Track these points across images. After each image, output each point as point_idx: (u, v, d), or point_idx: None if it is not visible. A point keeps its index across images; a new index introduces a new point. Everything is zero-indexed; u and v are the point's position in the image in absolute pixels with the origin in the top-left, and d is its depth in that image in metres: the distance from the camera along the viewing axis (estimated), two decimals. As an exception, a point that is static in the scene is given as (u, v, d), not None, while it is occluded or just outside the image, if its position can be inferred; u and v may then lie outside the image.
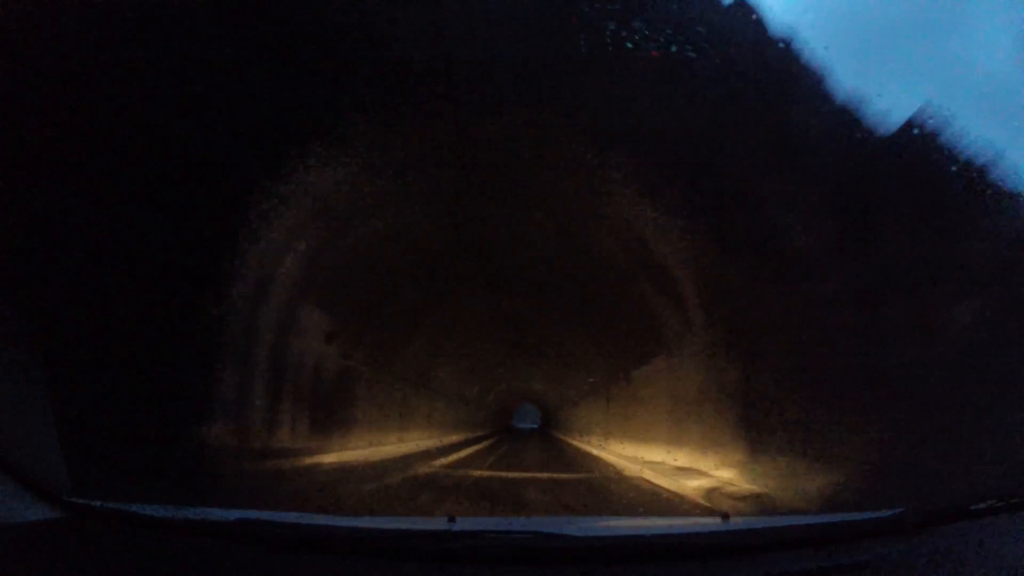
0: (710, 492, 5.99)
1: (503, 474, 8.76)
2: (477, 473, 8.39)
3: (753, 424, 5.77)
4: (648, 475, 8.32)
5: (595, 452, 14.27)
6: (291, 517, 1.89)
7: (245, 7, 3.65)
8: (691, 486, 6.58)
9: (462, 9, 3.85)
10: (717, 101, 4.14)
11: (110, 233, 3.82)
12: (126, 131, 3.65)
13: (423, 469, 9.08)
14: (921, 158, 3.38)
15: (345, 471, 7.84)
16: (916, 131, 3.33)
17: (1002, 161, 2.82)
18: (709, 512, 5.24)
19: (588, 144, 5.20)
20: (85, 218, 3.60)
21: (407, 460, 10.15)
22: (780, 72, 3.85)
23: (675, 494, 6.49)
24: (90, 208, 3.63)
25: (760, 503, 4.99)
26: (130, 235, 3.98)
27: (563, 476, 9.01)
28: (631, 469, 9.24)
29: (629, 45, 3.95)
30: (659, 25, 3.83)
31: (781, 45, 3.69)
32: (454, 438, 16.19)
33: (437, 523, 1.90)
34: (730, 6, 3.70)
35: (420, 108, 4.80)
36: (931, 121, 3.26)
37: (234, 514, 1.60)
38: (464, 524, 1.98)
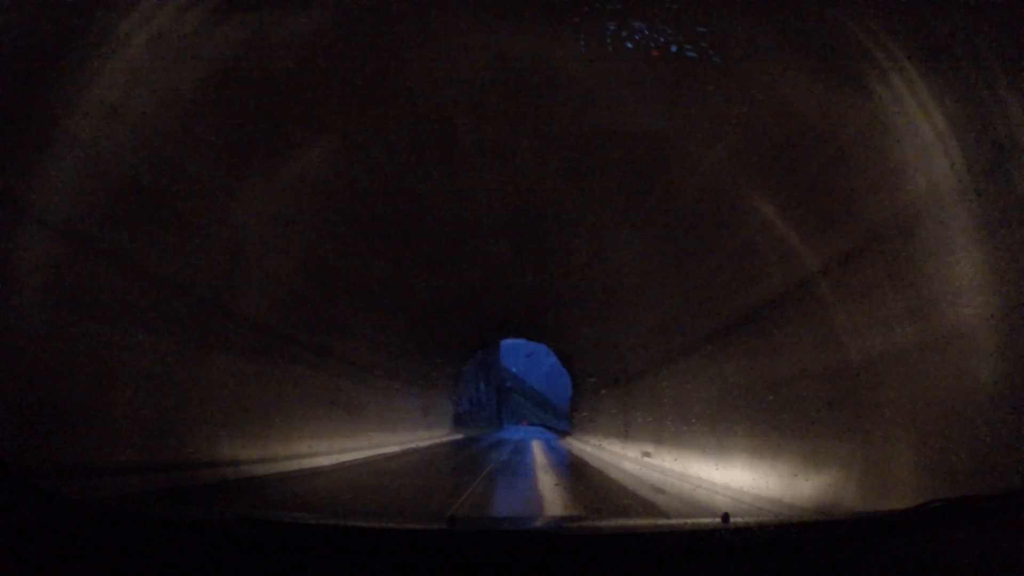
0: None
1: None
2: None
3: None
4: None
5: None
6: (291, 517, 1.89)
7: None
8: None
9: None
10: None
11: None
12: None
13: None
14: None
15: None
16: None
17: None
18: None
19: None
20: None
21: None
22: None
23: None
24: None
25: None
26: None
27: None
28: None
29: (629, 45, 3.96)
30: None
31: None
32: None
33: (437, 523, 1.90)
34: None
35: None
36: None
37: (234, 514, 1.60)
38: (464, 525, 1.98)
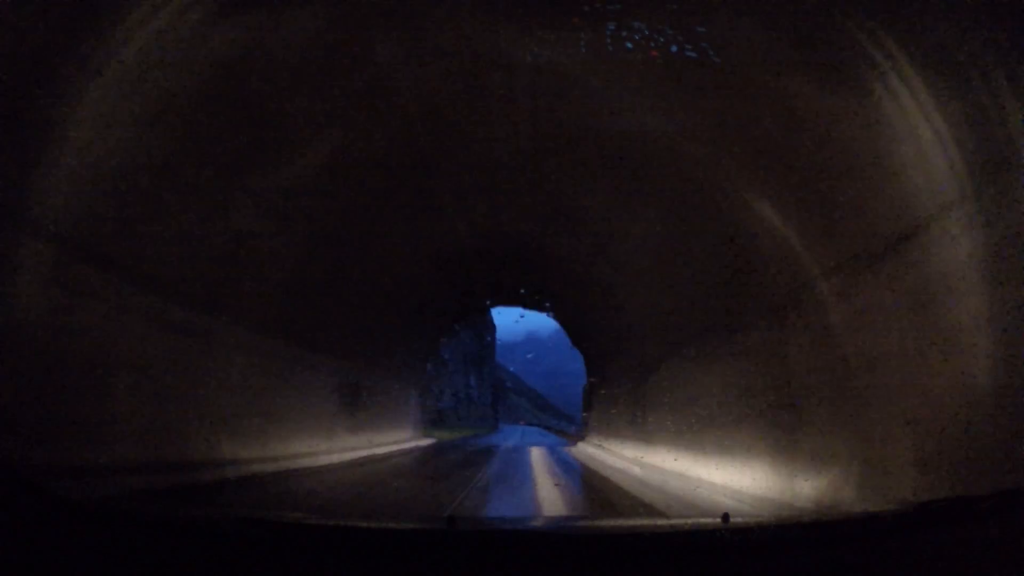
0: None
1: None
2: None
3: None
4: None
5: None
6: (291, 517, 1.89)
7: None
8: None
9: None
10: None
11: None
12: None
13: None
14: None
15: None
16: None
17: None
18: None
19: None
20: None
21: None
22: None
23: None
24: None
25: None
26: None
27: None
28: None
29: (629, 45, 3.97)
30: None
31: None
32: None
33: (437, 524, 1.90)
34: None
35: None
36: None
37: (235, 514, 1.60)
38: (464, 524, 1.99)
